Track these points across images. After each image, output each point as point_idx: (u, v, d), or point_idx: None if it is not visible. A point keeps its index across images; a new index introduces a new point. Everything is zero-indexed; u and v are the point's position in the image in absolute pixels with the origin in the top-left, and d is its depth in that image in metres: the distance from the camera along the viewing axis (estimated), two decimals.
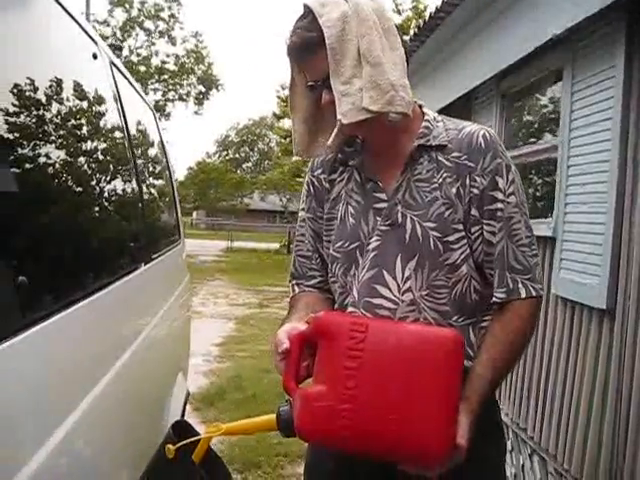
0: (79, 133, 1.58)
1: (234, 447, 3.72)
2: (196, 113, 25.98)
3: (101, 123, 1.81)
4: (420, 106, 1.41)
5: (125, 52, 21.85)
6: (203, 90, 25.33)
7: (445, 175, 1.33)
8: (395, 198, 1.34)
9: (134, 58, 23.14)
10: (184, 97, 24.92)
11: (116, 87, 2.08)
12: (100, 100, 1.82)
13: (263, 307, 10.20)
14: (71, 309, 1.24)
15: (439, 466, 1.17)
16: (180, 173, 46.15)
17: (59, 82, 1.42)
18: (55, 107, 1.40)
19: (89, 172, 1.62)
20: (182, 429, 1.34)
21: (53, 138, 1.36)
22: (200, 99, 25.35)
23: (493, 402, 1.40)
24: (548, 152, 3.24)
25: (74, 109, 1.55)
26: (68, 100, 1.49)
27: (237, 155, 57.98)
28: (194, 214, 49.95)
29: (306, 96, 1.37)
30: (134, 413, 1.79)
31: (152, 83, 23.76)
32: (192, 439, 1.28)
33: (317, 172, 1.48)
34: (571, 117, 2.88)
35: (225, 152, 58.06)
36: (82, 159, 1.58)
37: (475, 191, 1.31)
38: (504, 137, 3.69)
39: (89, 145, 1.66)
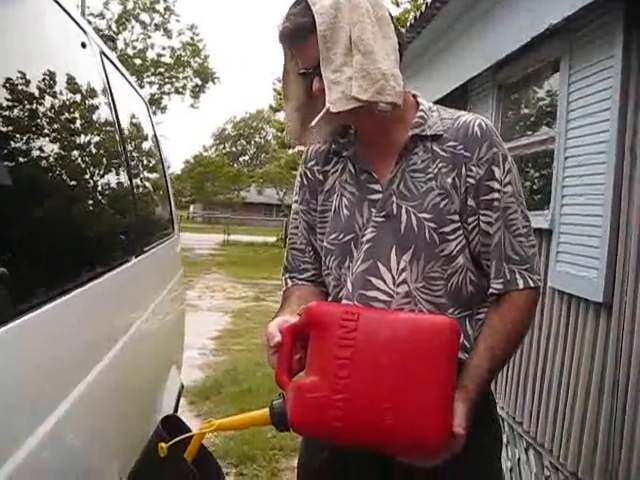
0: (67, 125, 1.55)
1: (229, 441, 3.71)
2: (192, 106, 26.01)
3: (90, 114, 1.78)
4: (414, 96, 1.39)
5: (120, 45, 21.76)
6: (199, 83, 25.29)
7: (441, 165, 1.31)
8: (390, 189, 1.32)
9: (130, 51, 23.07)
10: (180, 90, 24.89)
11: (106, 78, 2.05)
12: (89, 91, 1.79)
13: (259, 300, 10.20)
14: (59, 300, 1.22)
15: (437, 456, 1.15)
16: (177, 166, 46.18)
17: (46, 72, 1.39)
18: (41, 98, 1.36)
19: (77, 164, 1.59)
20: (172, 425, 1.31)
21: (40, 130, 1.33)
22: (196, 92, 25.30)
23: (489, 394, 1.39)
24: (545, 144, 3.22)
25: (61, 100, 1.52)
26: (55, 91, 1.46)
27: (234, 148, 57.88)
28: (191, 207, 49.91)
29: (298, 84, 1.36)
30: (125, 405, 1.77)
31: (148, 76, 23.71)
32: (184, 436, 1.25)
33: (310, 164, 1.46)
34: (568, 108, 2.85)
35: (222, 145, 57.96)
36: (71, 151, 1.55)
37: (471, 181, 1.29)
38: (500, 128, 3.66)
39: (78, 137, 1.63)
